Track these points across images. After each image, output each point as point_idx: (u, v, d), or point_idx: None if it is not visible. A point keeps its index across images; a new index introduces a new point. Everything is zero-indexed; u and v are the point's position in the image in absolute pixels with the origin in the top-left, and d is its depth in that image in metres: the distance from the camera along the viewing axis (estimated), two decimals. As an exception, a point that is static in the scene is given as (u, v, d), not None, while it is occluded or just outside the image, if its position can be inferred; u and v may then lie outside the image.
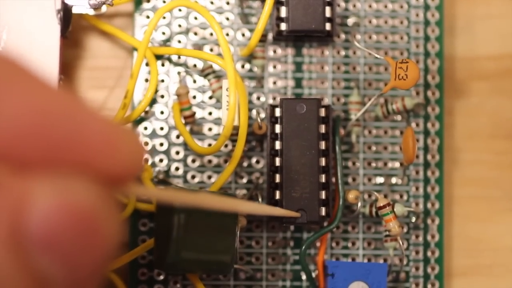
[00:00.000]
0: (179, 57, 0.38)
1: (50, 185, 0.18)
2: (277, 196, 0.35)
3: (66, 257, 0.18)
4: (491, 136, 0.40)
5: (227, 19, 0.39)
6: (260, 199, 0.36)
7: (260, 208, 0.34)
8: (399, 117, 0.39)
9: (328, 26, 0.37)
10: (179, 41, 0.39)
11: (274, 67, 0.39)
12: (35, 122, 0.18)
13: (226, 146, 0.38)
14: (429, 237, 0.38)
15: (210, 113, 0.38)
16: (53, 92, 0.18)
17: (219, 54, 0.37)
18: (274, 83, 0.39)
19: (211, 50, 0.38)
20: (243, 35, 0.39)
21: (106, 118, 0.19)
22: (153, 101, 0.38)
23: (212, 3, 0.39)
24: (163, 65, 0.38)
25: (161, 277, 0.37)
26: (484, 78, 0.40)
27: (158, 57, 0.38)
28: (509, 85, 0.40)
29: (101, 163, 0.19)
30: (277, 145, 0.35)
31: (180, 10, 0.39)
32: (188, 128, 0.38)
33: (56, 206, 0.18)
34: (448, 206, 0.39)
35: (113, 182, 0.19)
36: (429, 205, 0.38)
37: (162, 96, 0.38)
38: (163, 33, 0.39)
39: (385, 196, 0.37)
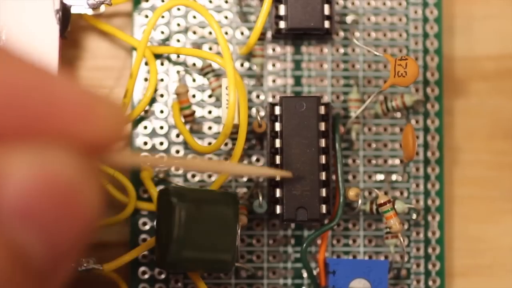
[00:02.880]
0: (178, 56, 0.38)
1: (26, 156, 0.17)
2: (278, 194, 0.35)
3: (44, 229, 0.18)
4: (491, 136, 0.40)
5: (226, 17, 0.39)
6: (260, 197, 0.36)
7: (248, 169, 0.34)
8: (398, 114, 0.39)
9: (327, 24, 0.37)
10: (178, 40, 0.39)
11: (273, 65, 0.39)
12: (8, 93, 0.17)
13: (226, 144, 0.38)
14: (429, 234, 0.38)
15: (209, 112, 0.38)
16: (25, 64, 0.18)
17: (218, 53, 0.37)
18: (274, 81, 0.39)
19: (210, 48, 0.38)
20: (242, 33, 0.39)
21: (82, 86, 0.19)
22: (153, 100, 0.38)
23: (210, 1, 0.39)
24: (162, 64, 0.38)
25: (163, 276, 0.37)
26: (483, 78, 0.40)
27: (157, 56, 0.38)
28: (508, 86, 0.40)
29: (78, 130, 0.18)
30: (277, 143, 0.35)
31: (178, 9, 0.39)
32: (188, 127, 0.38)
33: (33, 176, 0.17)
34: (448, 206, 0.39)
35: (93, 151, 0.19)
36: (429, 202, 0.38)
37: (162, 95, 0.38)
38: (162, 32, 0.39)
39: (386, 193, 0.37)
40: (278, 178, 0.35)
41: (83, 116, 0.19)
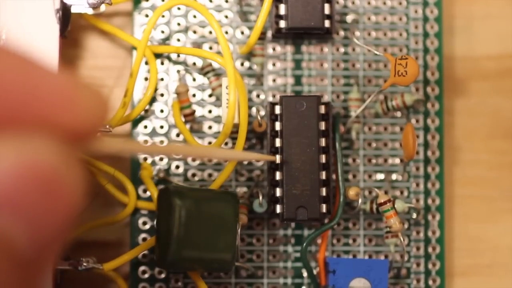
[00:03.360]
0: (178, 56, 0.38)
1: (10, 145, 0.18)
2: (278, 193, 0.35)
3: (28, 217, 0.18)
4: (491, 136, 0.40)
5: (226, 17, 0.39)
6: (260, 196, 0.36)
7: (234, 154, 0.34)
8: (399, 114, 0.39)
9: (327, 23, 0.37)
10: (178, 40, 0.39)
11: (274, 64, 0.39)
12: None
13: (226, 144, 0.38)
14: (430, 233, 0.38)
15: (210, 111, 0.38)
16: (7, 54, 0.18)
17: (219, 52, 0.37)
18: (274, 80, 0.39)
19: (210, 48, 0.39)
20: (242, 33, 0.39)
21: (64, 74, 0.19)
22: (153, 100, 0.38)
23: (211, 1, 0.39)
24: (162, 63, 0.38)
25: (163, 275, 0.37)
26: (483, 78, 0.40)
27: (158, 55, 0.38)
28: (508, 85, 0.40)
29: (60, 119, 0.18)
30: (277, 142, 0.35)
31: (179, 8, 0.39)
32: (188, 126, 0.38)
33: (17, 165, 0.17)
34: (448, 205, 0.39)
35: (75, 139, 0.19)
36: (429, 201, 0.38)
37: (162, 95, 0.38)
38: (162, 32, 0.39)
39: (386, 193, 0.37)
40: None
41: (66, 104, 0.19)
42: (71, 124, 0.19)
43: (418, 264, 0.38)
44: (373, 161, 0.38)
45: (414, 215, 0.38)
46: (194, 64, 0.38)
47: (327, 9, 0.36)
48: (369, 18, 0.39)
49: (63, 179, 0.18)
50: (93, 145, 0.20)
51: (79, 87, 0.19)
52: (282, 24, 0.37)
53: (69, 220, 0.18)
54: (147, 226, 0.37)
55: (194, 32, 0.39)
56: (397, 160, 0.39)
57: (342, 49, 0.39)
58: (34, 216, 0.18)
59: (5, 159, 0.17)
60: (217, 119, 0.38)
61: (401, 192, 0.38)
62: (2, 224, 0.17)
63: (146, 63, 0.38)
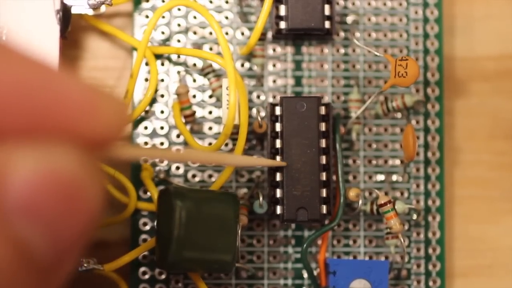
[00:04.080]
0: (178, 57, 0.38)
1: (30, 153, 0.18)
2: (278, 194, 0.35)
3: (48, 225, 0.18)
4: (491, 137, 0.40)
5: (226, 18, 0.39)
6: (261, 197, 0.36)
7: (246, 160, 0.34)
8: (399, 115, 0.39)
9: (327, 24, 0.37)
10: (179, 41, 0.39)
11: (274, 65, 0.39)
12: (12, 91, 0.18)
13: (226, 145, 0.38)
14: (430, 234, 0.38)
15: (210, 112, 0.38)
16: (28, 61, 0.18)
17: (219, 53, 0.37)
18: (274, 81, 0.39)
19: (211, 49, 0.39)
20: (242, 33, 0.39)
21: (84, 82, 0.19)
22: (153, 101, 0.38)
23: (211, 2, 0.39)
24: (162, 64, 0.38)
25: (163, 276, 0.37)
26: (483, 78, 0.40)
27: (158, 56, 0.38)
28: (508, 86, 0.40)
29: (81, 127, 0.19)
30: (278, 143, 0.35)
31: (179, 9, 0.39)
32: (188, 127, 0.38)
33: (37, 173, 0.17)
34: (449, 206, 0.39)
35: (96, 146, 0.19)
36: (430, 203, 0.38)
37: (162, 96, 0.38)
38: (163, 33, 0.39)
39: (386, 194, 0.37)
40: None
41: (87, 112, 0.19)
42: (91, 131, 0.19)
43: (418, 265, 0.38)
44: (374, 162, 0.38)
45: (415, 216, 0.38)
46: (195, 65, 0.38)
47: (327, 10, 0.36)
48: (369, 19, 0.39)
49: (82, 186, 0.18)
50: (112, 152, 0.20)
51: (100, 95, 0.19)
52: (283, 25, 0.37)
53: (88, 225, 0.18)
54: (148, 227, 0.37)
55: (195, 33, 0.39)
56: (398, 161, 0.39)
57: (342, 50, 0.39)
58: (53, 222, 0.18)
59: (26, 167, 0.18)
60: (218, 120, 0.38)
61: (402, 193, 0.38)
62: (22, 231, 0.18)
63: (147, 64, 0.38)
